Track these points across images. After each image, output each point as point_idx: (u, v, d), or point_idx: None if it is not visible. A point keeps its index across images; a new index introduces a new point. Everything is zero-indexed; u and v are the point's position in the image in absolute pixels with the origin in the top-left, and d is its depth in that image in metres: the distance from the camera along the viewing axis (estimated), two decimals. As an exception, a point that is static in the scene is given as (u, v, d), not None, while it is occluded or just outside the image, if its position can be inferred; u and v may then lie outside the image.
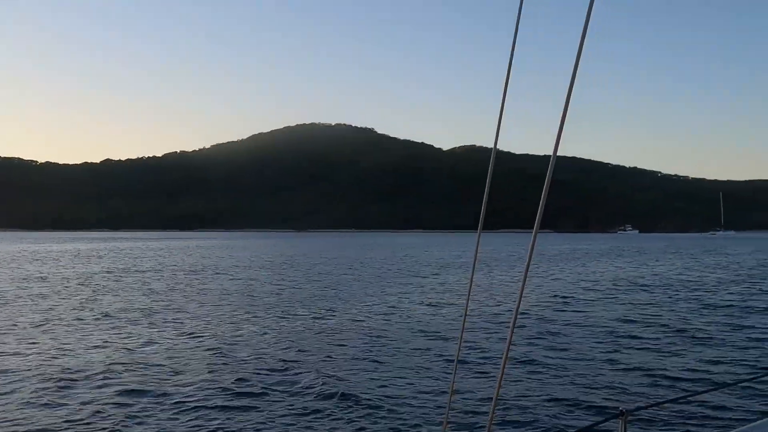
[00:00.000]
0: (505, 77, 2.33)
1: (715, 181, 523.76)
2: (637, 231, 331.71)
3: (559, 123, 1.91)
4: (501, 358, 2.06)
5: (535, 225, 2.00)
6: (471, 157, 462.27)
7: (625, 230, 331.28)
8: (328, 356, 15.71)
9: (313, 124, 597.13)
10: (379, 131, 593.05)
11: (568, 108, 1.77)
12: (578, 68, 1.91)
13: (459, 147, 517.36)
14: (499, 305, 25.61)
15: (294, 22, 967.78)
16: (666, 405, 10.38)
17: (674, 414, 10.26)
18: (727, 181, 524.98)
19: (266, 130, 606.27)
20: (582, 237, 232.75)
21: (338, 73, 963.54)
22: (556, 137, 1.90)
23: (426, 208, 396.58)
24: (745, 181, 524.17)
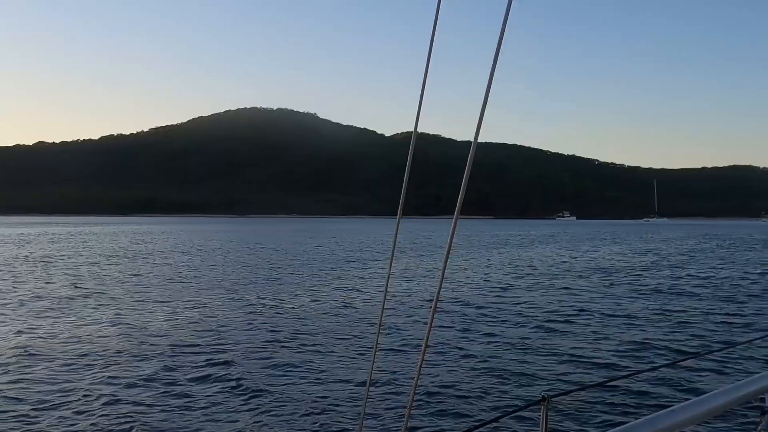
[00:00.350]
0: (425, 65, 2.38)
1: (650, 169, 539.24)
2: (574, 217, 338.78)
3: (479, 110, 1.98)
4: (421, 345, 2.09)
5: (456, 211, 2.04)
6: (408, 145, 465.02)
7: (563, 216, 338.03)
8: (242, 346, 14.81)
9: (254, 108, 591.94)
10: (322, 116, 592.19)
11: (489, 96, 1.83)
12: (498, 59, 1.90)
13: (401, 133, 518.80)
14: (424, 291, 25.06)
15: (237, 5, 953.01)
16: (588, 390, 10.30)
17: (596, 399, 10.12)
18: (661, 169, 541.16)
19: (206, 113, 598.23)
20: (521, 223, 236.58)
21: (280, 57, 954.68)
22: (476, 125, 1.96)
23: (368, 193, 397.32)
24: (678, 170, 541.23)
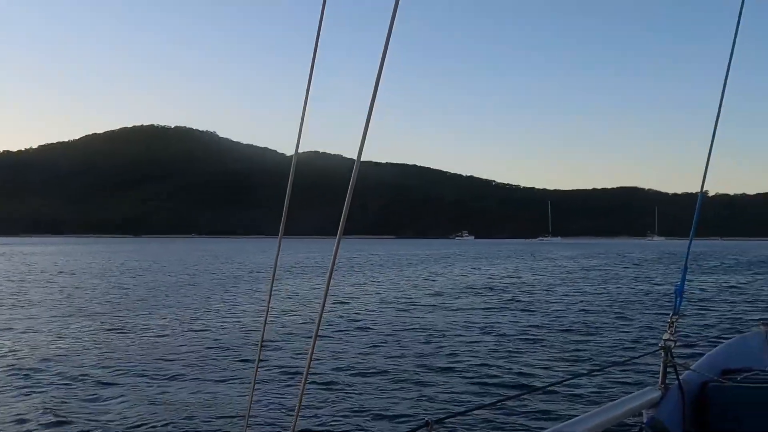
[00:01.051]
0: (306, 86, 2.42)
1: (544, 190, 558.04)
2: (473, 237, 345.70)
3: (362, 129, 2.00)
4: (304, 368, 2.17)
5: (339, 230, 2.08)
6: (314, 163, 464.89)
7: (462, 236, 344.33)
8: (119, 370, 14.05)
9: (151, 126, 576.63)
10: (222, 135, 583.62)
11: (372, 115, 1.88)
12: (381, 76, 1.91)
13: (303, 152, 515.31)
14: (311, 311, 24.69)
15: (132, 18, 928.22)
16: (472, 413, 10.19)
17: (480, 421, 10.00)
18: (555, 190, 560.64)
19: (100, 131, 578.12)
20: (422, 242, 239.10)
21: (177, 73, 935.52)
22: (359, 143, 1.99)
23: (268, 213, 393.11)
24: (570, 190, 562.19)
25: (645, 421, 2.98)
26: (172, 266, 61.13)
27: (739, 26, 3.32)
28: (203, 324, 21.52)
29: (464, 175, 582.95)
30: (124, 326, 21.02)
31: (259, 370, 3.69)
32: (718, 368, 3.58)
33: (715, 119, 3.60)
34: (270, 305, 3.04)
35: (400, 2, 1.72)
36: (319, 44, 2.38)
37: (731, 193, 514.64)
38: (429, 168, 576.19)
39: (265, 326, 2.96)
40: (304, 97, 2.58)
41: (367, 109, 1.87)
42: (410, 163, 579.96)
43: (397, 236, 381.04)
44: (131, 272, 51.57)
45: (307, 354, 2.25)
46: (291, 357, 15.71)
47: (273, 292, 2.97)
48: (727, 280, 42.92)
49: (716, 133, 3.62)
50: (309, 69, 2.36)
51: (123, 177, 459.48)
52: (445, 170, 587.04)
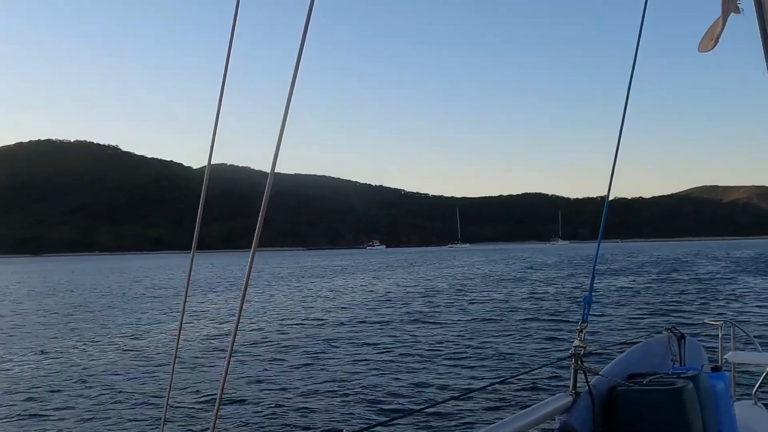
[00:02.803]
0: (218, 98, 2.41)
1: (453, 197, 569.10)
2: (384, 246, 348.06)
3: (276, 139, 2.01)
4: (218, 388, 2.13)
5: (254, 243, 2.09)
6: (222, 176, 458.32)
7: (373, 245, 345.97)
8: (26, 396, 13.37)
9: (49, 141, 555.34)
10: (124, 148, 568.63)
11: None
12: (294, 87, 1.92)
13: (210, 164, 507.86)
14: (224, 325, 24.22)
15: (28, 29, 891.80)
16: (388, 424, 10.12)
17: (405, 429, 10.25)
18: (463, 197, 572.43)
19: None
20: (332, 253, 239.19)
21: (77, 86, 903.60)
22: (273, 155, 2.00)
23: (175, 228, 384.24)
24: (478, 197, 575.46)
25: (557, 426, 3.02)
26: (71, 286, 58.62)
27: (640, 39, 3.42)
28: (110, 347, 20.43)
29: (374, 184, 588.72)
30: (27, 352, 19.97)
31: (172, 389, 3.52)
32: (625, 373, 3.69)
33: (620, 127, 3.69)
34: (183, 322, 2.91)
35: (311, 17, 1.78)
36: (231, 53, 2.38)
37: (629, 196, 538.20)
38: (339, 178, 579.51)
39: (177, 345, 2.83)
40: (217, 108, 2.50)
41: (281, 120, 1.90)
42: (319, 173, 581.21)
43: (307, 247, 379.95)
44: (31, 294, 49.12)
45: (221, 371, 2.24)
46: (204, 376, 15.22)
47: (185, 309, 2.83)
48: (632, 283, 44.44)
49: (620, 141, 3.72)
50: (222, 77, 2.30)
51: (21, 194, 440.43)
52: (354, 180, 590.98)
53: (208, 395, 13.11)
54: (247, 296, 37.66)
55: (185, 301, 2.88)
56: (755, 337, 6.60)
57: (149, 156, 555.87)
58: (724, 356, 5.45)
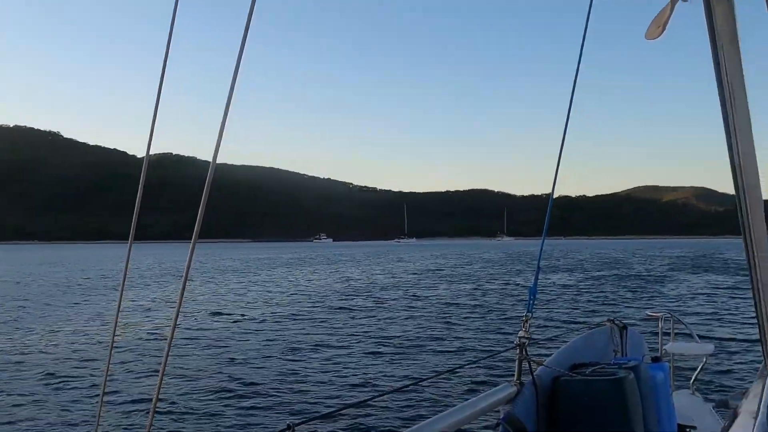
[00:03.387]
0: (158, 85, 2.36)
1: (401, 192, 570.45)
2: (331, 239, 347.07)
3: (218, 130, 1.98)
4: (156, 381, 2.07)
5: (194, 236, 2.05)
6: (167, 165, 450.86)
7: (320, 239, 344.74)
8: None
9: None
10: (66, 135, 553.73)
11: (227, 118, 1.85)
12: (237, 76, 1.88)
13: (154, 154, 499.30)
14: (162, 319, 23.60)
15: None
16: (335, 415, 10.13)
17: (343, 423, 10.06)
18: (411, 192, 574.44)
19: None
20: (279, 246, 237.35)
21: (17, 69, 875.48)
22: (215, 146, 1.98)
23: (118, 217, 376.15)
24: (426, 192, 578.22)
25: (501, 416, 3.05)
26: (5, 276, 56.81)
27: (585, 41, 3.51)
28: (41, 342, 19.47)
29: (322, 177, 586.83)
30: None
31: (107, 386, 3.41)
32: (568, 363, 3.75)
33: (564, 127, 3.78)
34: (119, 316, 2.80)
35: (256, 5, 1.74)
36: (172, 40, 2.32)
37: (573, 195, 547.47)
38: (287, 171, 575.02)
39: (113, 340, 2.75)
40: (156, 96, 2.40)
41: (223, 109, 1.90)
42: (267, 165, 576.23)
43: (254, 239, 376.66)
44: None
45: (158, 367, 2.19)
46: (140, 371, 14.78)
47: (123, 302, 2.73)
48: (575, 278, 45.21)
49: (564, 141, 3.80)
50: (162, 65, 2.29)
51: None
52: (303, 173, 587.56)
53: (144, 392, 12.80)
54: (188, 290, 37.06)
55: (121, 295, 2.75)
56: (693, 328, 6.82)
57: (92, 143, 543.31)
58: (664, 347, 5.60)
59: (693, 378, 6.23)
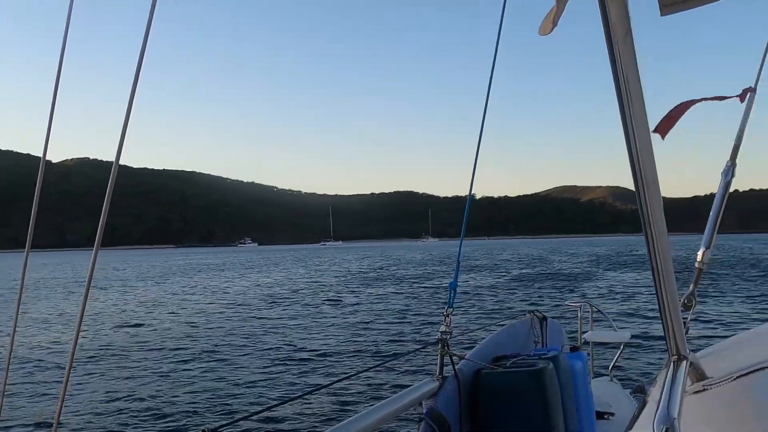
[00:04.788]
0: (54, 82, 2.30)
1: (326, 195, 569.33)
2: (256, 244, 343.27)
3: (120, 130, 1.94)
4: (59, 392, 1.98)
5: (96, 242, 2.01)
6: (83, 171, 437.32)
7: (244, 243, 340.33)
8: None
9: None
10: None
11: (131, 118, 1.80)
12: (140, 74, 1.86)
13: (71, 159, 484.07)
14: (67, 328, 22.73)
15: None
16: (252, 418, 9.84)
17: (262, 426, 10.01)
18: (336, 195, 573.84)
19: None
20: (203, 251, 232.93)
21: None
22: (117, 149, 1.94)
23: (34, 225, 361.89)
24: (351, 195, 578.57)
25: (424, 411, 3.04)
26: None
27: (499, 43, 3.60)
28: None
29: (246, 181, 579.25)
30: None
31: (6, 399, 3.21)
32: (490, 356, 3.80)
33: (480, 128, 3.86)
34: (16, 328, 2.66)
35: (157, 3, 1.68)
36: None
37: (495, 195, 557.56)
38: (209, 175, 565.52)
39: (11, 353, 2.63)
40: (52, 98, 2.31)
41: (124, 112, 1.84)
42: (190, 169, 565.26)
43: (177, 245, 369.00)
44: None
45: (62, 378, 2.12)
46: (42, 388, 14.18)
47: (22, 313, 2.58)
48: (497, 275, 45.96)
49: (481, 139, 3.88)
50: (57, 68, 2.23)
51: None
52: (226, 177, 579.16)
53: (47, 409, 12.25)
54: (100, 299, 35.81)
55: (18, 308, 2.61)
56: (611, 317, 7.05)
57: (4, 148, 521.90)
58: (583, 335, 5.77)
59: (611, 365, 6.43)
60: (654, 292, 1.45)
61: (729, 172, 2.98)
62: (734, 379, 1.35)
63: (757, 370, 1.44)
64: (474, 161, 3.92)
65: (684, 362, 1.31)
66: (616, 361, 6.46)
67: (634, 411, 4.92)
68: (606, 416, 4.65)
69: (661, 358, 13.77)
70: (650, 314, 21.64)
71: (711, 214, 2.94)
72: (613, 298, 27.89)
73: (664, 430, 1.00)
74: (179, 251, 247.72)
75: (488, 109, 3.70)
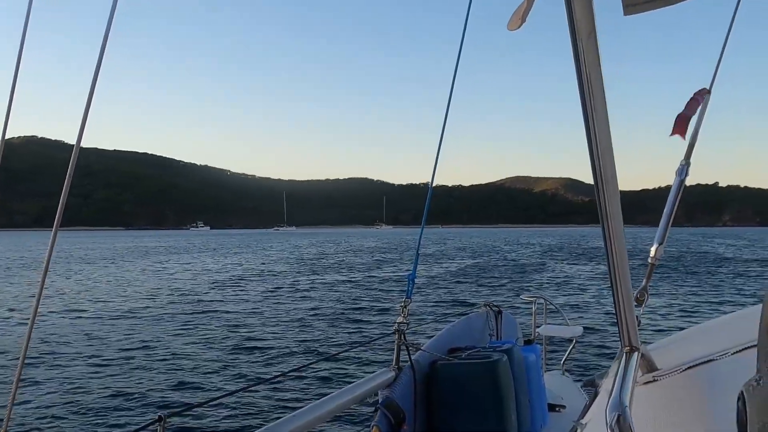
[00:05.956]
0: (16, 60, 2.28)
1: (280, 180, 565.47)
2: (208, 228, 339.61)
3: (83, 112, 1.92)
4: (13, 376, 1.93)
5: (56, 222, 1.99)
6: (31, 149, 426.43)
7: (197, 227, 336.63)
8: None
9: None
10: None
11: (93, 99, 1.78)
12: (104, 53, 1.80)
13: (18, 137, 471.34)
14: (20, 313, 22.18)
15: None
16: (208, 405, 9.97)
17: (217, 413, 9.95)
18: (290, 180, 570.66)
19: None
20: (153, 234, 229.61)
21: None
22: (79, 128, 1.93)
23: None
24: (306, 180, 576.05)
25: (380, 401, 3.11)
26: None
27: (466, 29, 3.59)
28: None
29: (199, 164, 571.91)
30: None
31: None
32: (446, 347, 3.86)
33: (444, 118, 3.86)
34: None
35: None
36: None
37: (449, 184, 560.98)
38: (162, 156, 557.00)
39: None
40: (13, 74, 2.32)
41: (88, 90, 1.84)
42: (141, 150, 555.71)
43: (127, 227, 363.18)
44: None
45: (17, 360, 2.06)
46: None
47: None
48: (452, 265, 46.25)
49: (445, 129, 3.88)
50: (19, 44, 2.22)
51: None
52: (179, 159, 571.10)
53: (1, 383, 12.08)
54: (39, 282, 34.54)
55: None
56: (563, 311, 7.14)
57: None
58: (537, 329, 5.86)
59: (563, 359, 6.55)
60: (609, 285, 1.48)
61: (683, 170, 3.03)
62: (683, 370, 1.38)
63: (705, 362, 1.48)
64: (437, 151, 3.94)
65: (636, 353, 1.34)
66: (568, 356, 6.57)
67: (584, 403, 5.04)
68: (558, 408, 4.73)
69: (611, 353, 14.06)
70: (601, 308, 22.04)
71: (665, 210, 2.98)
72: (565, 291, 28.29)
73: (615, 417, 1.04)
74: (128, 233, 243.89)
75: (446, 99, 3.71)
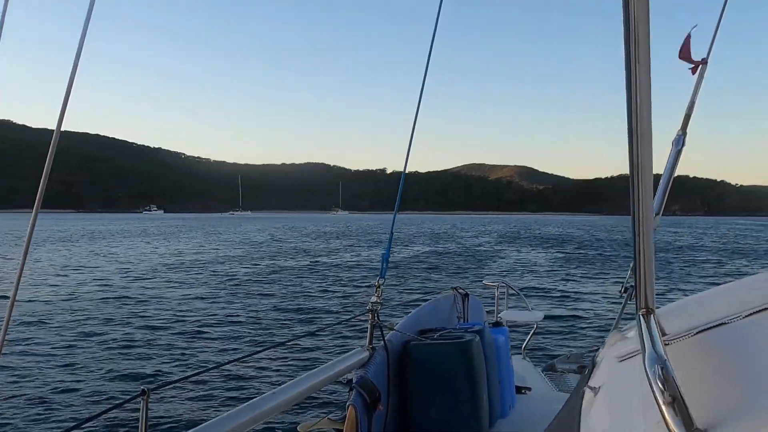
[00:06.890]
0: None
1: (236, 164, 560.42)
2: (162, 211, 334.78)
3: (63, 96, 1.90)
4: None
5: (36, 204, 1.97)
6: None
7: (150, 210, 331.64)
8: None
9: None
10: None
11: (74, 81, 1.76)
12: (77, 54, 1.89)
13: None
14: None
15: None
16: (189, 380, 10.14)
17: (198, 388, 10.13)
18: (246, 164, 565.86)
19: None
20: (105, 217, 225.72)
21: None
22: (59, 113, 1.91)
23: None
24: (262, 164, 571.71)
25: (354, 380, 3.11)
26: None
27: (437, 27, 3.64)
28: None
29: (153, 146, 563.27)
30: None
31: None
32: (416, 328, 3.93)
33: (416, 105, 3.91)
34: None
35: None
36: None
37: (422, 171, 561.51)
38: (115, 138, 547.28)
39: None
40: None
41: (68, 76, 1.95)
42: (93, 132, 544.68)
43: (79, 209, 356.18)
44: None
45: None
46: None
47: None
48: (411, 251, 46.64)
49: (417, 119, 3.93)
50: None
51: None
52: (132, 141, 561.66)
53: None
54: None
55: None
56: (525, 296, 7.27)
57: None
58: (499, 315, 5.97)
59: (525, 344, 6.69)
60: (631, 243, 1.45)
61: (680, 140, 3.12)
62: (694, 334, 1.40)
63: (717, 325, 1.50)
64: (410, 137, 4.00)
65: (653, 315, 1.35)
66: (529, 340, 6.71)
67: (546, 387, 5.19)
68: (524, 390, 4.84)
69: (569, 339, 14.37)
70: (559, 294, 22.48)
71: (661, 181, 3.07)
72: (525, 277, 28.69)
73: (659, 369, 1.07)
74: (79, 216, 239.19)
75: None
